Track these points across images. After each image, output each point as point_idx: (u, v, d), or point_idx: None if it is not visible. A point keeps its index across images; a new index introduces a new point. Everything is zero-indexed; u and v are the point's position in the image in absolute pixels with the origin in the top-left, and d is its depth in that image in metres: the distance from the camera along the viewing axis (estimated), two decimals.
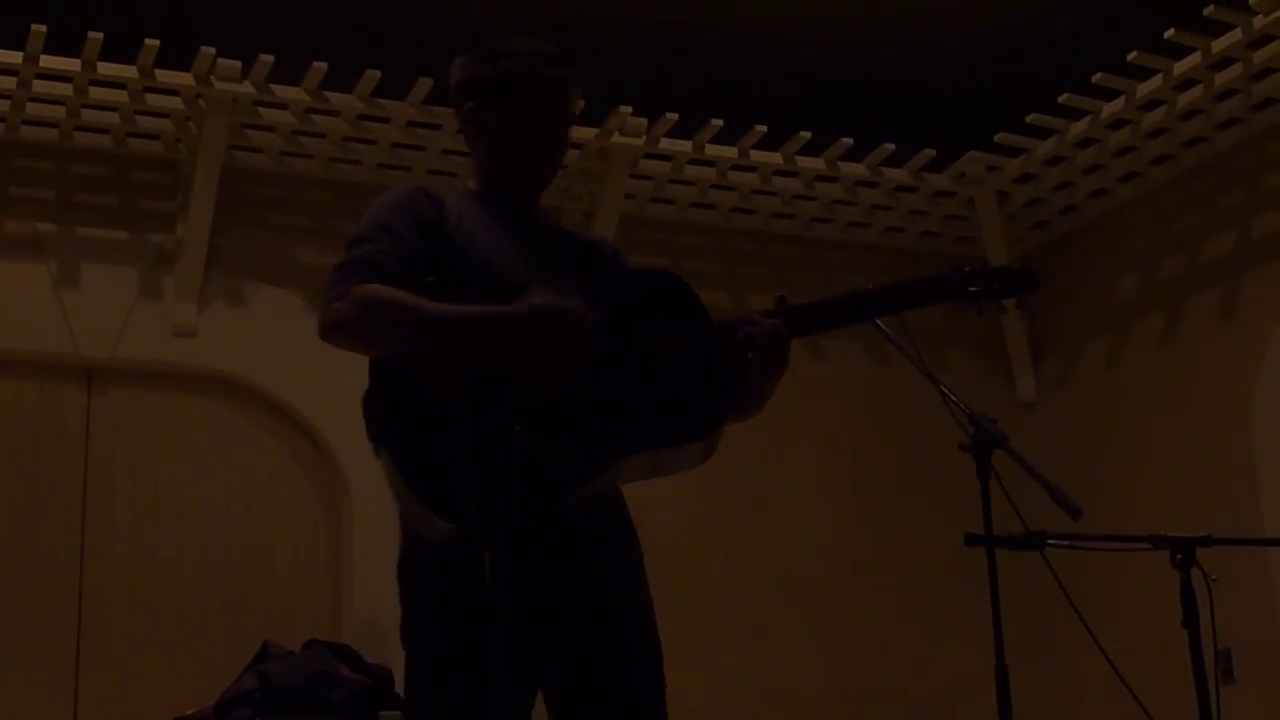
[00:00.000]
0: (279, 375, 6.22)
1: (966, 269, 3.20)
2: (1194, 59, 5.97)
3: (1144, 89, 6.18)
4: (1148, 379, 6.81)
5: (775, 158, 6.64)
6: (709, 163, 6.61)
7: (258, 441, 6.25)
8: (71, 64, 5.66)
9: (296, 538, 6.21)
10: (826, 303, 3.07)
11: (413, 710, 2.93)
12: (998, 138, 6.63)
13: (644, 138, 6.36)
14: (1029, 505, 3.74)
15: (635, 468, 2.86)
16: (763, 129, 6.38)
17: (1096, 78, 6.13)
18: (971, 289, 3.17)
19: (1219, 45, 5.88)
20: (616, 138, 6.33)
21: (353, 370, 6.73)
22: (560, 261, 3.02)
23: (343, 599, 6.15)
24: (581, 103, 3.19)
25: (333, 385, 6.24)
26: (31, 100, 5.84)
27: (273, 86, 5.93)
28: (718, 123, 6.34)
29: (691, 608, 6.26)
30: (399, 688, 5.10)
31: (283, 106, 6.04)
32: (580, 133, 6.30)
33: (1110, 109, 6.33)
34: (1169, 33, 5.80)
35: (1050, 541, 3.99)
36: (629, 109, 6.21)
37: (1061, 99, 6.29)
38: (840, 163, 6.73)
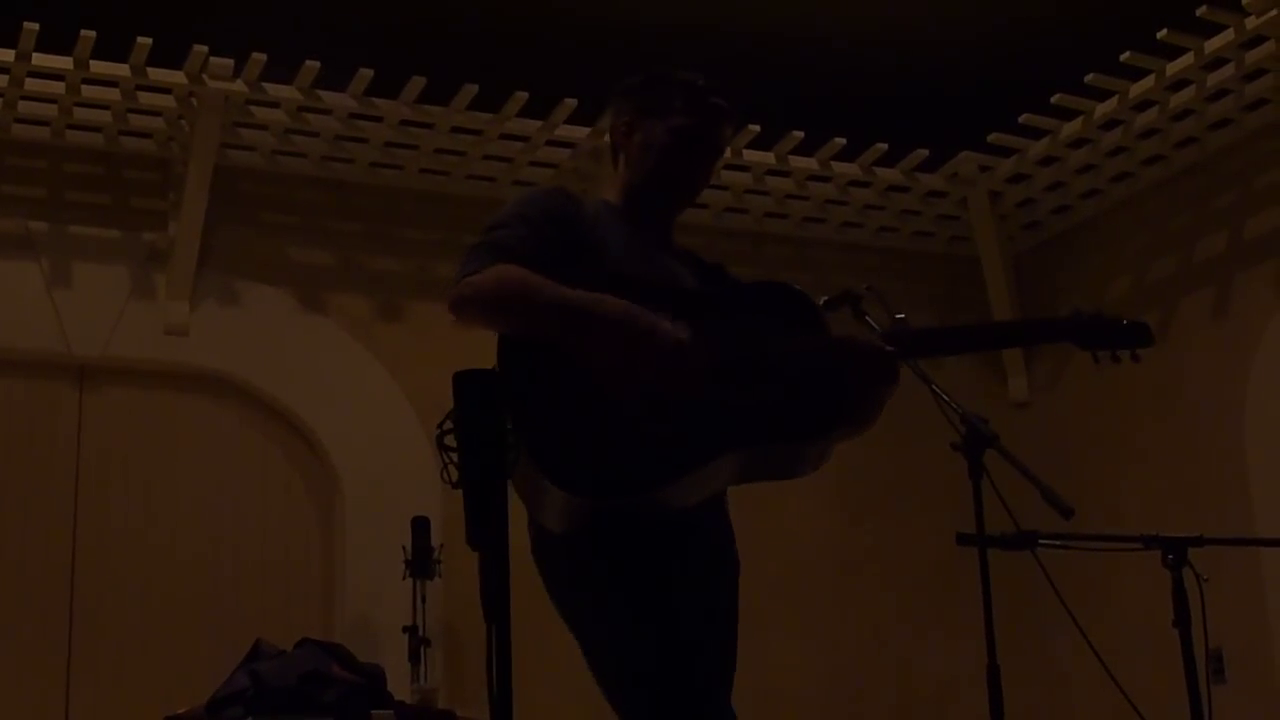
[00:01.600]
0: (271, 374, 6.22)
1: (1084, 316, 3.28)
2: (1186, 59, 5.98)
3: (1136, 89, 6.19)
4: (1140, 378, 6.78)
5: (768, 157, 6.64)
6: None
7: (250, 440, 6.25)
8: (64, 62, 5.65)
9: (289, 537, 6.21)
10: (943, 331, 3.24)
11: (626, 695, 2.97)
12: (990, 138, 6.63)
13: None
14: (1021, 505, 3.74)
15: (741, 464, 2.95)
16: (755, 129, 6.38)
17: (1089, 78, 6.13)
18: (1089, 340, 3.27)
19: (1211, 46, 5.88)
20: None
21: (345, 369, 6.75)
22: (682, 276, 3.13)
23: (335, 598, 6.15)
24: (732, 136, 3.36)
25: (325, 384, 6.27)
26: (24, 98, 5.84)
27: (265, 85, 5.92)
28: None
29: None
30: (391, 687, 5.10)
31: (275, 105, 6.03)
32: (573, 132, 6.31)
33: (1103, 109, 6.34)
34: (1162, 33, 5.81)
35: (1042, 541, 3.99)
36: None
37: (1054, 99, 6.30)
38: (833, 162, 6.73)
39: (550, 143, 6.37)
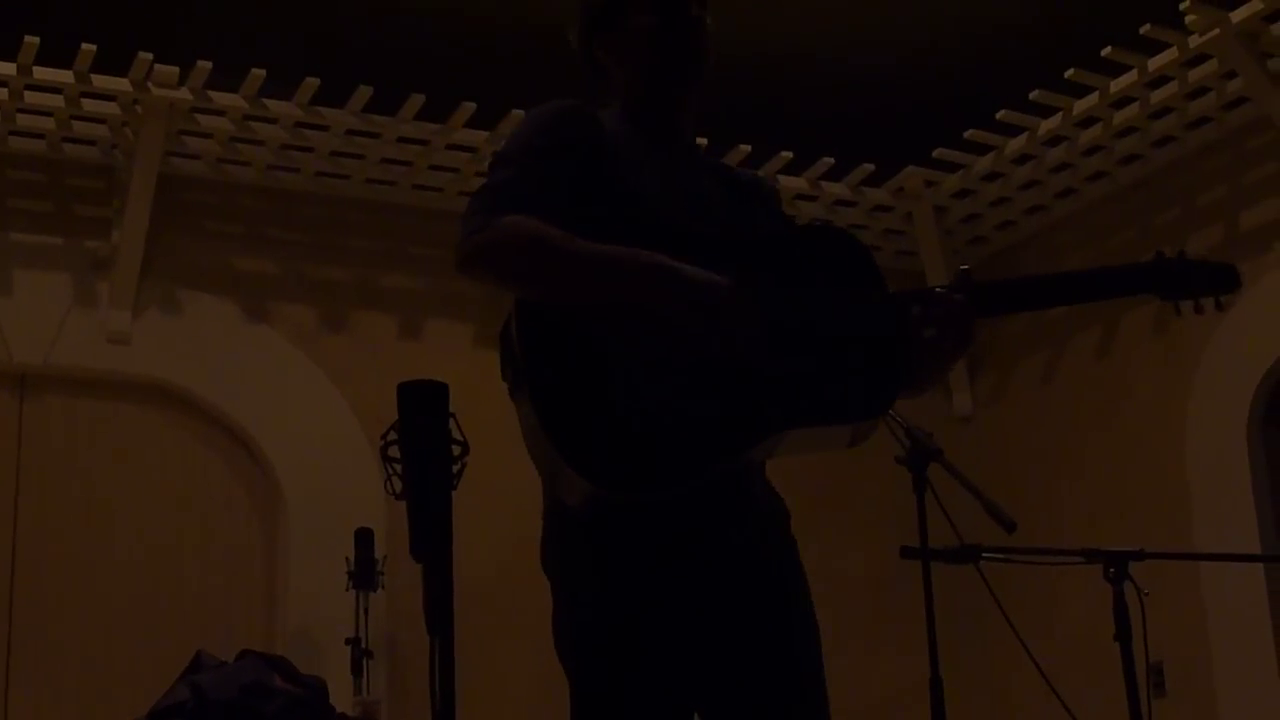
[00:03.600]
0: (214, 383, 6.18)
1: (1167, 258, 2.91)
2: (1130, 77, 6.03)
3: (1081, 106, 6.23)
4: (1082, 394, 6.86)
5: None
6: None
7: (192, 451, 6.20)
8: (7, 68, 5.61)
9: (230, 547, 6.17)
10: (1016, 283, 2.85)
11: None
12: (936, 153, 6.67)
13: None
14: (964, 519, 3.76)
15: (792, 442, 2.61)
16: (703, 142, 6.39)
17: (1034, 95, 6.17)
18: (1171, 286, 2.90)
19: (1155, 63, 5.94)
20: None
21: (288, 380, 6.71)
22: (716, 201, 2.78)
23: (277, 609, 6.11)
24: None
25: (269, 394, 6.24)
26: None
27: (210, 93, 5.89)
28: None
29: None
30: (333, 699, 5.07)
31: (220, 113, 6.00)
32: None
33: (1047, 126, 6.38)
34: (1106, 51, 5.86)
35: (985, 555, 4.01)
36: None
37: (999, 115, 6.34)
38: (780, 176, 6.75)
39: None
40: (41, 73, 5.65)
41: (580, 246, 2.53)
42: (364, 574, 5.75)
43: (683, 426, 2.48)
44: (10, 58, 5.57)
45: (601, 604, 2.56)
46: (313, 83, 5.88)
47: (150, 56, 5.66)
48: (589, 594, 2.58)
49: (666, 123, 2.84)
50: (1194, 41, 5.77)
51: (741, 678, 2.61)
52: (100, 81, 5.75)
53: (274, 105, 5.99)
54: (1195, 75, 5.98)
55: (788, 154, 6.59)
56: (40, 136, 6.01)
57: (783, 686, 2.62)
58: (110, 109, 5.89)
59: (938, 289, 2.75)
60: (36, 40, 5.48)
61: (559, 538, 2.65)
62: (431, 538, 2.44)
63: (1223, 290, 2.91)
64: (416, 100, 6.02)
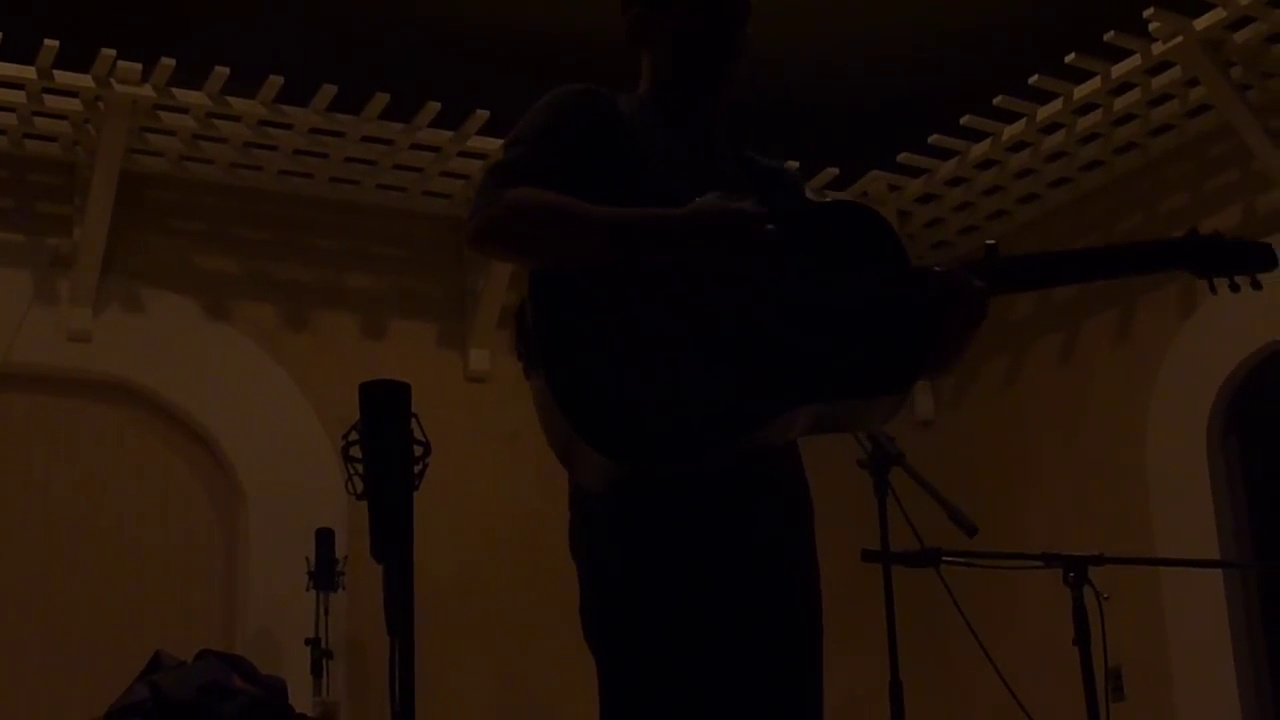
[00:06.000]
0: (175, 382, 6.15)
1: (1200, 236, 2.85)
2: (1094, 84, 6.05)
3: (1044, 112, 6.26)
4: (1044, 398, 6.88)
5: None
6: None
7: (152, 449, 6.17)
8: None
9: (191, 547, 6.14)
10: (1040, 258, 2.85)
11: None
12: (900, 157, 6.68)
13: None
14: (925, 522, 3.77)
15: (812, 418, 2.59)
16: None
17: (998, 100, 6.19)
18: (1206, 263, 2.84)
19: (1118, 71, 5.96)
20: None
21: (250, 379, 6.68)
22: (738, 186, 2.72)
23: (237, 609, 6.08)
24: None
25: (230, 393, 6.21)
26: None
27: (174, 90, 5.86)
28: None
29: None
30: (292, 699, 5.06)
31: (184, 111, 5.97)
32: (485, 144, 6.27)
33: (1011, 131, 6.41)
34: (1069, 57, 5.88)
35: (946, 559, 4.03)
36: None
37: (963, 120, 6.36)
38: None
39: (462, 154, 6.35)
40: (3, 68, 5.61)
41: (590, 208, 2.52)
42: (324, 574, 5.73)
43: (701, 399, 2.45)
44: None
45: (631, 591, 2.53)
46: (276, 81, 5.86)
47: (113, 53, 5.63)
48: (618, 580, 2.55)
49: (692, 110, 2.81)
50: (1157, 49, 5.80)
51: (752, 670, 2.64)
52: (63, 78, 5.71)
53: (237, 103, 5.96)
54: (1158, 82, 6.01)
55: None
56: (2, 133, 5.97)
57: (786, 683, 2.71)
58: (72, 105, 5.86)
59: (957, 264, 2.73)
60: None
61: (585, 523, 2.62)
62: (393, 538, 2.44)
63: (1259, 268, 2.86)
64: (381, 99, 6.01)
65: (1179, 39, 5.70)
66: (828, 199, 2.98)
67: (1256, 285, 2.86)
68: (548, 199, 2.53)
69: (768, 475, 2.63)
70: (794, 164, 3.02)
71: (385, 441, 2.49)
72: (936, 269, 2.70)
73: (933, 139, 6.51)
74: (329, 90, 5.93)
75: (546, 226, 2.53)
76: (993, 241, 2.82)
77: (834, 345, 2.57)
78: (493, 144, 6.24)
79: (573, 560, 2.64)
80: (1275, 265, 2.87)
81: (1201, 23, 5.65)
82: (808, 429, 2.61)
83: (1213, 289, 2.87)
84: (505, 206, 2.54)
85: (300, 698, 5.22)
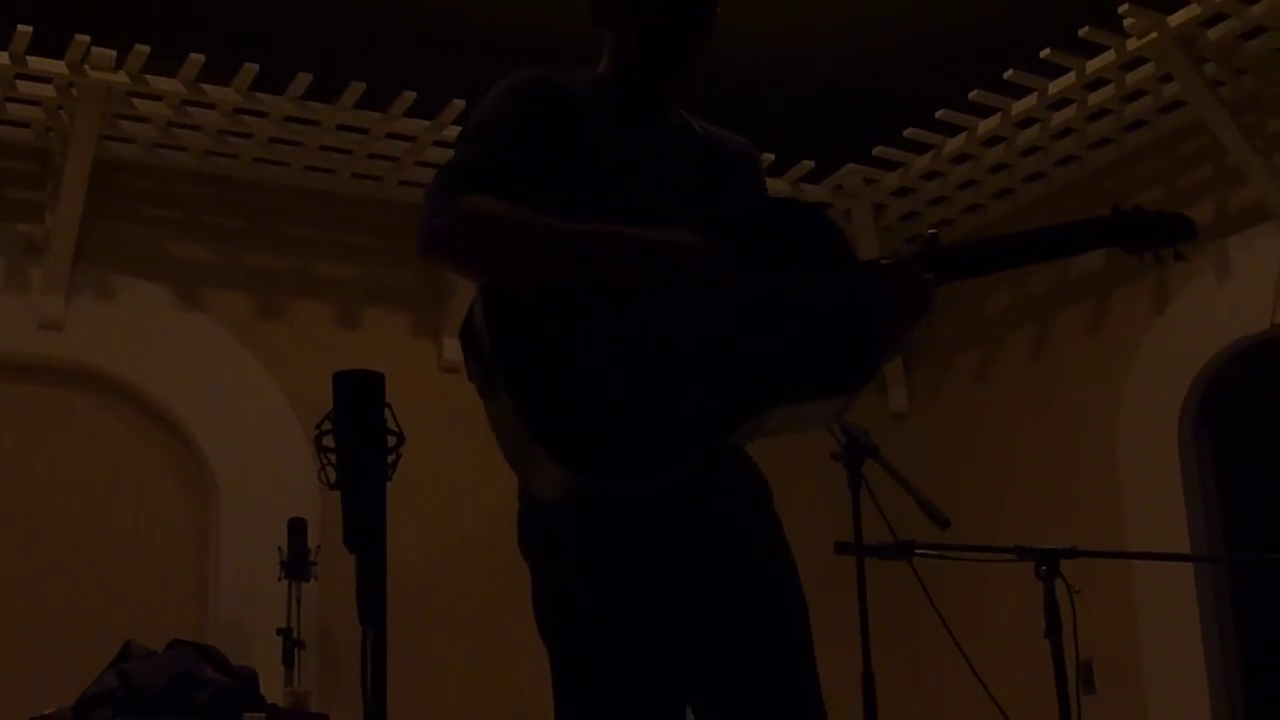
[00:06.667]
0: (147, 370, 6.13)
1: (1124, 212, 2.92)
2: (1068, 79, 6.06)
3: (1019, 107, 6.27)
4: (1017, 391, 6.91)
5: None
6: None
7: (123, 437, 6.15)
8: None
9: (162, 536, 6.12)
10: (979, 245, 2.84)
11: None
12: (876, 151, 6.69)
13: None
14: (899, 515, 3.78)
15: (776, 421, 2.57)
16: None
17: (973, 95, 6.20)
18: (1132, 238, 2.90)
19: (1093, 66, 5.97)
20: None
21: (223, 367, 6.65)
22: (685, 174, 2.72)
23: (209, 599, 6.07)
24: None
25: (203, 382, 6.19)
26: None
27: (148, 77, 5.83)
28: None
29: None
30: (264, 689, 5.05)
31: (158, 98, 5.95)
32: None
33: (986, 125, 6.42)
34: (1045, 52, 5.89)
35: (919, 551, 4.04)
36: None
37: (938, 115, 6.37)
38: None
39: (438, 143, 6.33)
40: None
41: (541, 226, 2.47)
42: (297, 564, 5.72)
43: (663, 412, 2.43)
44: None
45: (581, 587, 2.51)
46: (252, 69, 5.84)
47: (87, 39, 5.60)
48: (567, 576, 2.53)
49: (650, 94, 2.77)
50: (1132, 45, 5.81)
51: (728, 661, 2.57)
52: (35, 64, 5.68)
53: (212, 90, 5.94)
54: (1132, 78, 6.03)
55: None
56: None
57: (770, 668, 2.58)
58: (45, 91, 5.83)
59: (900, 255, 2.73)
60: None
61: (535, 519, 2.60)
62: (365, 528, 2.43)
63: (1181, 240, 2.91)
64: (356, 88, 5.99)
65: (1153, 35, 5.71)
66: (778, 198, 2.95)
67: (1179, 256, 2.91)
68: (501, 214, 2.48)
69: (714, 470, 2.57)
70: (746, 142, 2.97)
71: (358, 431, 2.47)
72: (883, 261, 2.70)
73: (908, 133, 6.52)
74: (304, 78, 5.92)
75: (500, 244, 2.49)
76: (934, 230, 2.83)
77: (788, 347, 2.55)
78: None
79: (521, 556, 2.63)
80: (1195, 234, 2.93)
81: (1176, 19, 5.67)
82: (767, 434, 2.60)
83: (1141, 262, 2.94)
84: (458, 218, 2.49)
85: (272, 688, 5.22)
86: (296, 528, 5.76)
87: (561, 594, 2.54)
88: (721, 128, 2.91)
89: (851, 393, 2.61)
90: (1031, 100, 6.22)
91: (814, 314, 2.58)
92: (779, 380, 2.53)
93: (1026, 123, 6.39)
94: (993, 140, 6.53)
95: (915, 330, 2.73)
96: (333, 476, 2.53)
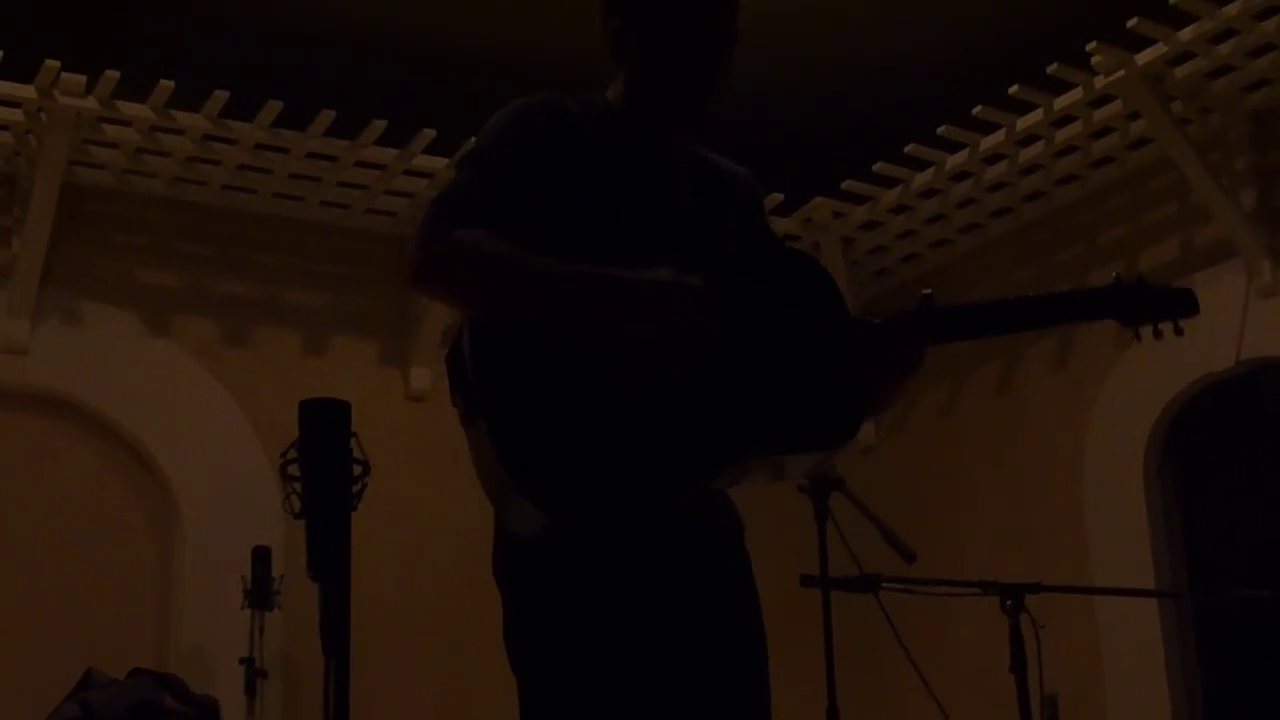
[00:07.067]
0: (113, 397, 6.10)
1: (1126, 285, 2.84)
2: (1036, 115, 6.10)
3: (987, 143, 6.30)
4: (983, 426, 6.92)
5: None
6: None
7: (88, 464, 6.11)
8: None
9: (125, 564, 6.08)
10: (974, 309, 2.85)
11: None
12: (844, 185, 6.71)
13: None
14: (864, 548, 3.78)
15: (754, 471, 2.58)
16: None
17: (941, 130, 6.24)
18: (1131, 311, 2.84)
19: (1061, 103, 6.01)
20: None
21: (188, 395, 6.62)
22: (683, 208, 2.73)
23: (170, 627, 6.03)
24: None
25: (168, 409, 6.17)
26: None
27: (117, 103, 5.82)
28: None
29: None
30: (225, 719, 5.02)
31: (127, 124, 5.94)
32: (431, 163, 6.26)
33: (954, 161, 6.45)
34: (1013, 89, 5.93)
35: (884, 584, 4.04)
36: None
37: (907, 149, 6.40)
38: None
39: (408, 172, 6.34)
40: None
41: (529, 265, 2.47)
42: (260, 593, 5.68)
43: (644, 455, 2.43)
44: None
45: (554, 622, 2.51)
46: (221, 96, 5.83)
47: (57, 64, 5.59)
48: (540, 610, 2.52)
49: (657, 130, 2.78)
50: (1099, 82, 5.85)
51: (691, 696, 2.57)
52: (5, 88, 5.67)
53: (182, 117, 5.93)
54: (1100, 115, 6.07)
55: None
56: None
57: (730, 705, 2.61)
58: (14, 116, 5.81)
59: (893, 314, 2.73)
60: None
61: (508, 552, 2.58)
62: (330, 558, 2.43)
63: (1181, 315, 2.85)
64: (326, 116, 5.99)
65: (1121, 73, 5.75)
66: (772, 245, 2.96)
67: (1179, 331, 2.85)
68: (489, 250, 2.47)
69: (694, 509, 2.57)
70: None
71: (324, 460, 2.47)
72: (876, 321, 2.70)
73: (877, 167, 6.55)
74: (274, 106, 5.91)
75: (487, 281, 2.48)
76: (928, 291, 2.82)
77: (772, 398, 2.53)
78: (438, 163, 6.23)
79: (495, 584, 2.61)
80: (1196, 310, 2.85)
81: (1143, 57, 5.71)
82: (744, 482, 2.59)
83: (1138, 336, 2.87)
84: (450, 251, 2.48)
85: (233, 717, 5.19)
86: (260, 556, 5.72)
87: (533, 625, 2.53)
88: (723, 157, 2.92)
89: (833, 449, 2.61)
90: (1000, 136, 6.25)
91: (801, 366, 2.57)
92: (760, 431, 2.51)
93: (994, 158, 6.43)
94: (961, 175, 6.56)
95: (903, 391, 2.74)
96: (298, 505, 2.53)
